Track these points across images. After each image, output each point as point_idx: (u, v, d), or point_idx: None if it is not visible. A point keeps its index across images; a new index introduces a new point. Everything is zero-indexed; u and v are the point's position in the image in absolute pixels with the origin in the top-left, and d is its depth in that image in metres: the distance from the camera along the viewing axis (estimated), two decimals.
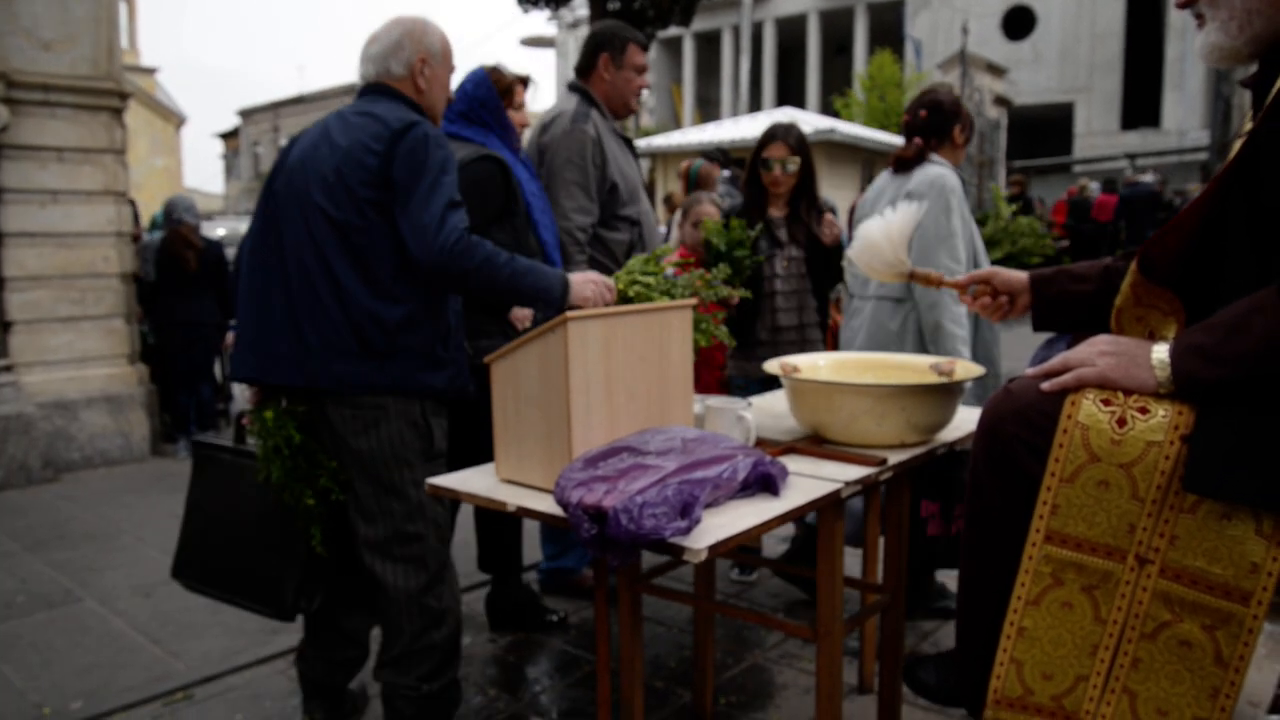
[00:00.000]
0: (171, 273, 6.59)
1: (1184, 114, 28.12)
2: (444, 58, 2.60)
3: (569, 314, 1.86)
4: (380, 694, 2.56)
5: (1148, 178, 17.66)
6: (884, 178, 3.76)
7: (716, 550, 1.63)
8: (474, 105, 3.20)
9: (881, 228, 2.24)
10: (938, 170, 3.53)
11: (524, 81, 3.35)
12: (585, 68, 3.60)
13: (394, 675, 2.52)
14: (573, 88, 3.60)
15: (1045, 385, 1.66)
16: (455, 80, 2.89)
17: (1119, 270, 1.91)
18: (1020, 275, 2.10)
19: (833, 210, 4.14)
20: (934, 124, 3.63)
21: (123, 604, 3.86)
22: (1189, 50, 26.54)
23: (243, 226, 7.42)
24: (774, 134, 3.72)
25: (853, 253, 2.31)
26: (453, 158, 2.40)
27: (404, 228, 2.29)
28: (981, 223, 14.89)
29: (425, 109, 2.56)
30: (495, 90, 3.22)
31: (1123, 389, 1.60)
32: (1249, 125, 1.64)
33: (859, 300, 3.69)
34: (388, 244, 2.35)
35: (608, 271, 3.22)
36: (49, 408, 6.06)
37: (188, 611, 3.72)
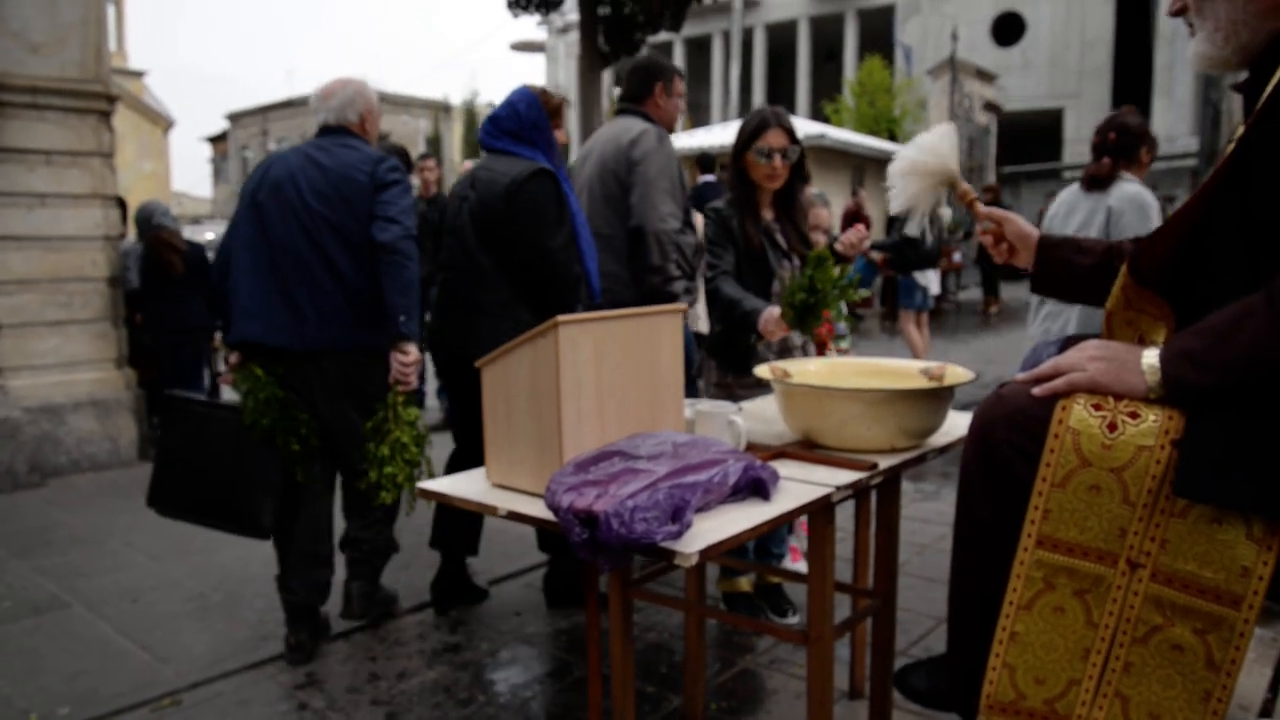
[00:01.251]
0: (157, 278, 6.51)
1: (1173, 121, 28.21)
2: (378, 111, 3.57)
3: (560, 318, 1.86)
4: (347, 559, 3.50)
5: None
6: (1072, 192, 4.20)
7: (708, 554, 1.63)
8: (525, 125, 3.47)
9: (927, 142, 2.19)
10: (1135, 188, 3.99)
11: (566, 102, 3.75)
12: (641, 94, 3.96)
13: (358, 530, 3.50)
14: (631, 111, 3.94)
15: (1036, 390, 1.67)
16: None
17: (1121, 253, 1.92)
18: (1031, 231, 2.10)
19: (825, 202, 4.12)
20: (1122, 145, 4.03)
21: (110, 609, 3.83)
22: (1178, 57, 26.68)
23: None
24: (767, 120, 3.35)
25: (896, 169, 2.20)
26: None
27: (379, 224, 3.23)
28: (968, 233, 14.93)
29: (370, 144, 3.50)
30: (545, 111, 3.49)
31: (1113, 394, 1.60)
32: (1240, 130, 1.64)
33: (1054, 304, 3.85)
34: (369, 239, 3.21)
35: (685, 270, 3.72)
36: (36, 412, 6.02)
37: (176, 617, 3.70)
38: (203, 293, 6.64)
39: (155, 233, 6.50)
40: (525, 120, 3.47)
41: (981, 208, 2.17)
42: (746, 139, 3.37)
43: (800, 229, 3.53)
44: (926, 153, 2.17)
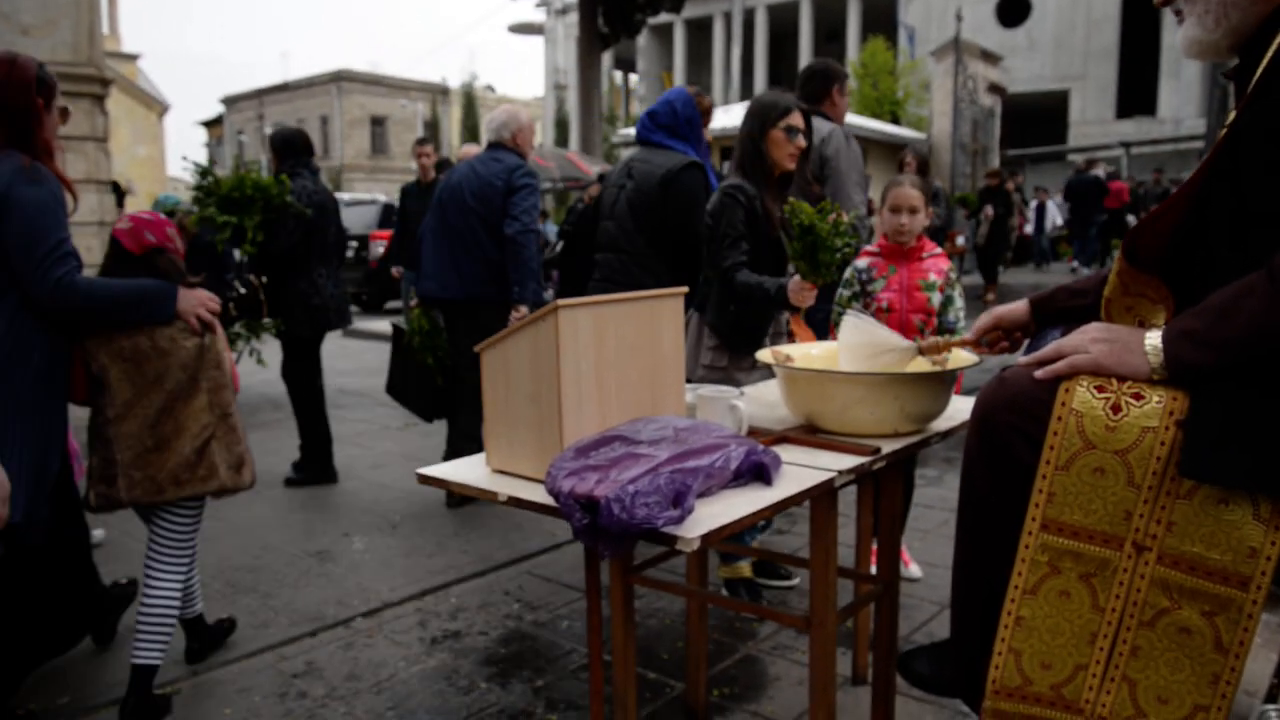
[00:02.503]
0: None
1: (1180, 102, 28.07)
2: (529, 128, 4.80)
3: (559, 302, 1.84)
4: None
5: (1099, 171, 17.94)
6: None
7: (709, 540, 1.61)
8: (680, 122, 3.93)
9: (863, 327, 2.26)
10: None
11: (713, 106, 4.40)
12: (819, 96, 4.46)
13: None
14: (813, 111, 4.05)
15: (1039, 373, 1.65)
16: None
17: None
18: (1021, 306, 2.12)
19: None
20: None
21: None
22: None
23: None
24: (791, 102, 3.41)
25: (847, 355, 2.28)
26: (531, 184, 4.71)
27: (507, 220, 4.62)
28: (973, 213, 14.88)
29: (522, 155, 4.76)
30: (699, 111, 3.97)
31: (1116, 375, 1.59)
32: (1232, 116, 1.63)
33: None
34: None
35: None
36: None
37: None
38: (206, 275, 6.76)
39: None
40: (681, 117, 3.92)
41: (964, 336, 2.22)
42: (776, 118, 3.36)
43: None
44: (870, 334, 2.24)
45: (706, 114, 4.11)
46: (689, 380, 3.42)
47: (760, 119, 3.38)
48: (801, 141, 3.38)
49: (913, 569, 3.83)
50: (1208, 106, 16.98)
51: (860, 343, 2.24)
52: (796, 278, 3.09)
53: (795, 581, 3.61)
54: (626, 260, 3.88)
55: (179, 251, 3.01)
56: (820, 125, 4.23)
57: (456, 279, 4.70)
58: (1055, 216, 19.21)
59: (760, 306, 3.33)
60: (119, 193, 7.20)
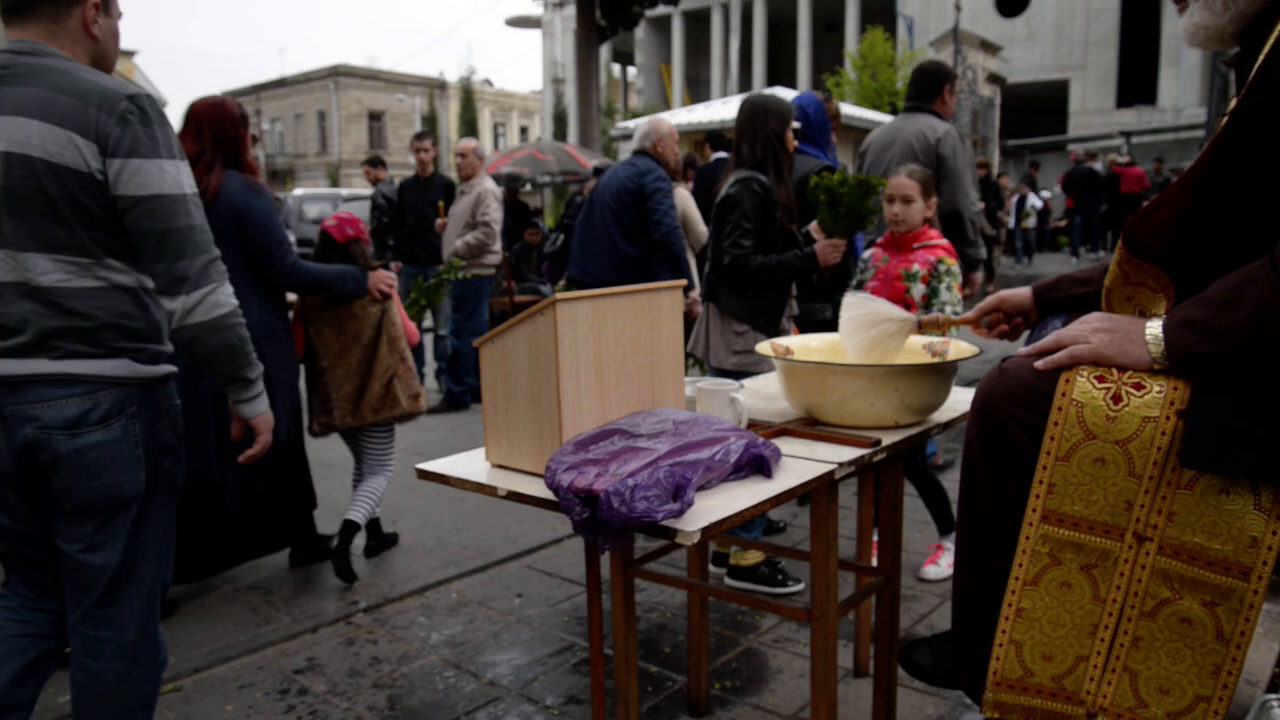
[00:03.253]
0: None
1: (1181, 91, 27.98)
2: (669, 136, 5.13)
3: (558, 295, 1.83)
4: None
5: (1097, 164, 17.97)
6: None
7: (709, 533, 1.61)
8: (813, 127, 4.34)
9: (862, 301, 2.27)
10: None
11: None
12: (931, 94, 4.78)
13: None
14: (921, 109, 4.75)
15: (1039, 364, 1.64)
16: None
17: None
18: (1025, 291, 2.12)
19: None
20: None
21: None
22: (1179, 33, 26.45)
23: None
24: (790, 105, 3.72)
25: (845, 328, 2.28)
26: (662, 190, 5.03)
27: (651, 223, 5.00)
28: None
29: (661, 162, 5.09)
30: (827, 115, 4.43)
31: (1117, 365, 1.58)
32: (1233, 104, 1.62)
33: None
34: (635, 225, 5.04)
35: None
36: None
37: (176, 603, 3.69)
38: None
39: None
40: (814, 122, 4.33)
41: (966, 315, 2.22)
42: (791, 118, 3.62)
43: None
44: (873, 309, 2.25)
45: (835, 118, 4.67)
46: (721, 372, 3.49)
47: (781, 118, 3.58)
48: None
49: (938, 568, 3.80)
50: (1208, 95, 16.97)
51: (859, 315, 2.25)
52: (822, 240, 3.50)
53: (800, 587, 3.60)
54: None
55: (367, 240, 4.02)
56: (935, 125, 4.60)
57: (594, 266, 5.28)
58: (1037, 206, 19.17)
59: (785, 282, 3.61)
60: None
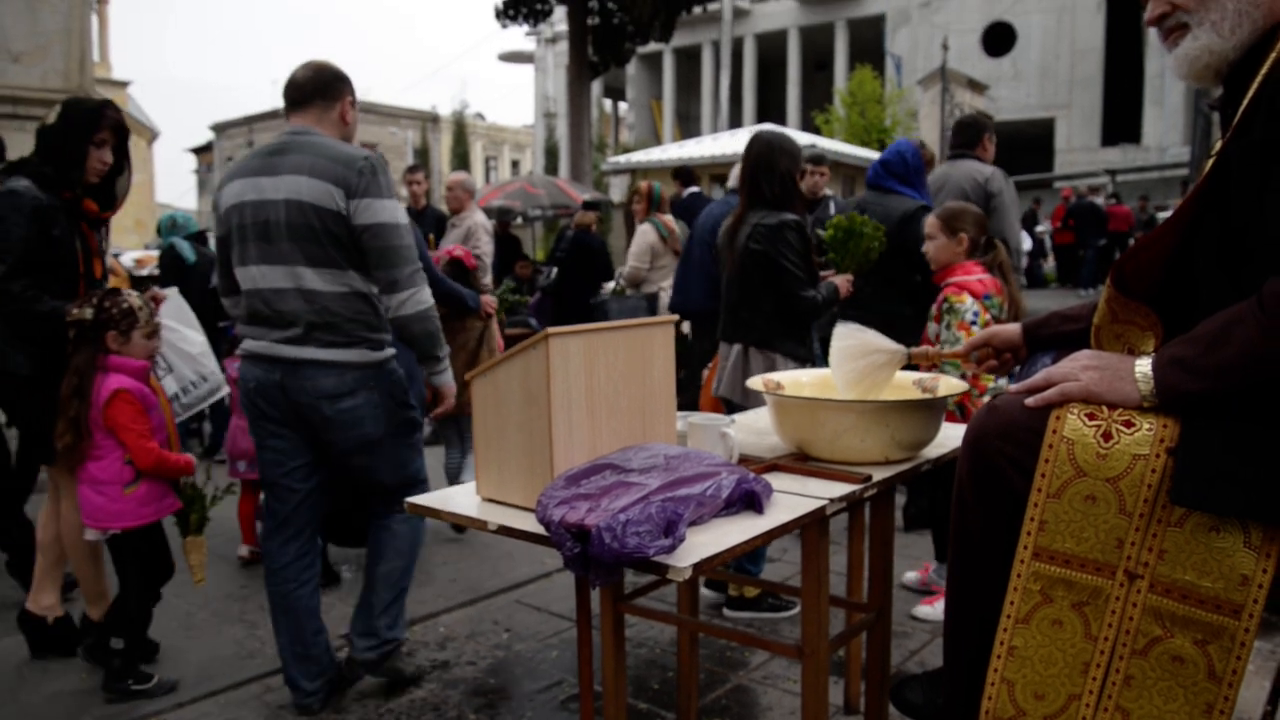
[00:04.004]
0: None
1: (1164, 130, 28.30)
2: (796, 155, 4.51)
3: (550, 330, 1.83)
4: None
5: (1099, 199, 18.17)
6: None
7: (701, 569, 1.60)
8: (910, 170, 4.68)
9: (853, 332, 2.30)
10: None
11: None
12: (973, 142, 5.20)
13: None
14: (966, 155, 5.17)
15: (1029, 401, 1.65)
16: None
17: None
18: (1014, 328, 2.14)
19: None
20: None
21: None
22: (1169, 67, 26.77)
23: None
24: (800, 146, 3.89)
25: (836, 358, 2.30)
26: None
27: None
28: None
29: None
30: (923, 160, 4.80)
31: (1107, 403, 1.59)
32: (1218, 145, 1.64)
33: None
34: None
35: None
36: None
37: (161, 636, 3.64)
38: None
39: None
40: (910, 167, 4.68)
41: (956, 349, 2.27)
42: (803, 159, 3.97)
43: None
44: (863, 341, 2.27)
45: (930, 163, 5.13)
46: None
47: (793, 158, 3.73)
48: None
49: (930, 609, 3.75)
50: (1192, 135, 17.15)
51: (849, 345, 2.26)
52: (838, 276, 3.83)
53: (795, 611, 3.59)
54: (880, 292, 4.47)
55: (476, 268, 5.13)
56: (981, 168, 5.03)
57: (694, 296, 5.71)
58: (1024, 244, 19.34)
59: (826, 313, 3.87)
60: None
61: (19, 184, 3.26)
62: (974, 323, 3.46)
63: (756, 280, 3.62)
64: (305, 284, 2.81)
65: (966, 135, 5.30)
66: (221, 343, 6.80)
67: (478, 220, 6.98)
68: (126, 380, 3.11)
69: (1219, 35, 1.65)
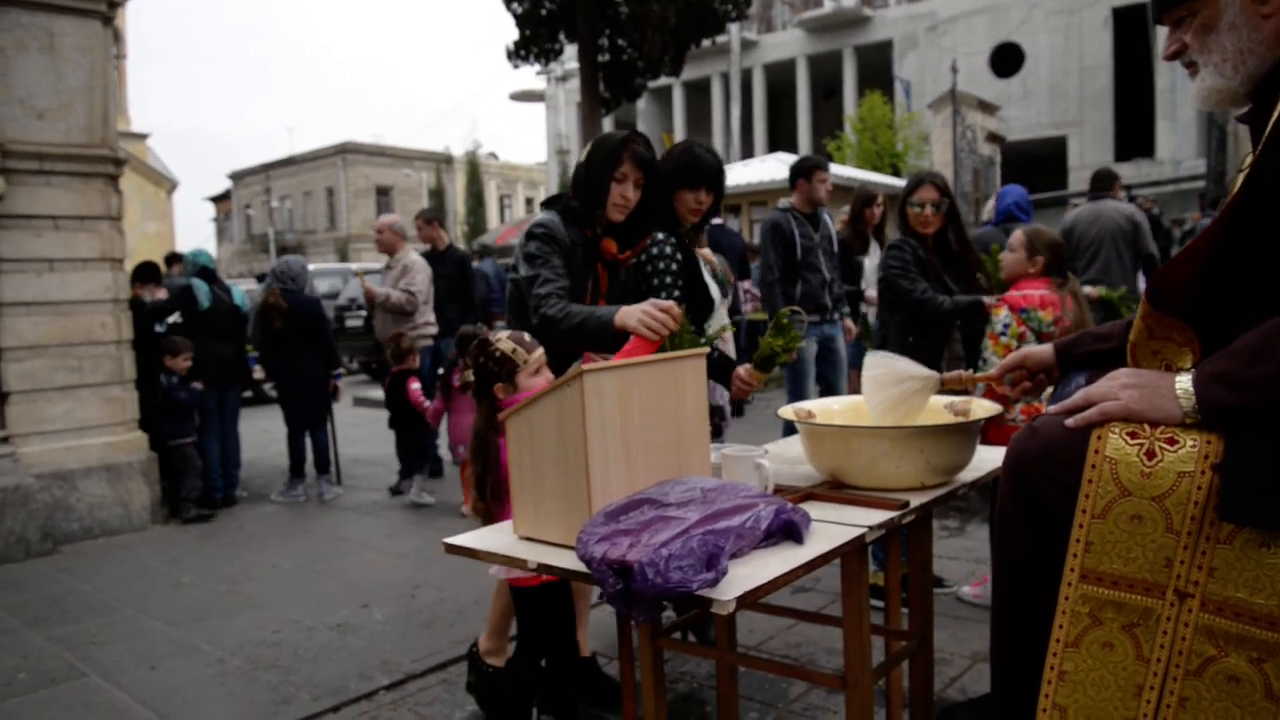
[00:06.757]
0: (269, 332, 6.95)
1: (1178, 143, 28.24)
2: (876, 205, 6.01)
3: (584, 367, 1.83)
4: None
5: (1155, 209, 18.12)
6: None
7: (744, 601, 1.59)
8: (1020, 211, 5.86)
9: (884, 360, 2.30)
10: None
11: None
12: (1109, 186, 6.77)
13: None
14: (1105, 195, 6.74)
15: (1070, 421, 1.64)
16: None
17: None
18: (1047, 349, 2.15)
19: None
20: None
21: (127, 678, 3.78)
22: (1179, 80, 26.69)
23: (240, 288, 7.63)
24: (921, 178, 4.09)
25: (868, 386, 2.30)
26: None
27: None
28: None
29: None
30: (1030, 205, 5.90)
31: (1148, 421, 1.58)
32: (1249, 159, 1.64)
33: None
34: None
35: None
36: (47, 478, 5.98)
37: (194, 684, 3.65)
38: (313, 345, 7.04)
39: (267, 293, 7.00)
40: (1023, 209, 5.88)
41: (988, 372, 2.28)
42: (905, 194, 4.06)
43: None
44: (893, 369, 2.26)
45: (1035, 206, 6.34)
46: None
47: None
48: (929, 211, 4.09)
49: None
50: (1206, 146, 17.09)
51: (881, 374, 2.26)
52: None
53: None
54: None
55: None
56: (1123, 205, 6.58)
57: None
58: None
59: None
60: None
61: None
62: (1003, 334, 3.51)
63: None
64: None
65: (1103, 183, 6.90)
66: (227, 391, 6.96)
67: (412, 259, 7.34)
68: None
69: (1222, 76, 1.69)
